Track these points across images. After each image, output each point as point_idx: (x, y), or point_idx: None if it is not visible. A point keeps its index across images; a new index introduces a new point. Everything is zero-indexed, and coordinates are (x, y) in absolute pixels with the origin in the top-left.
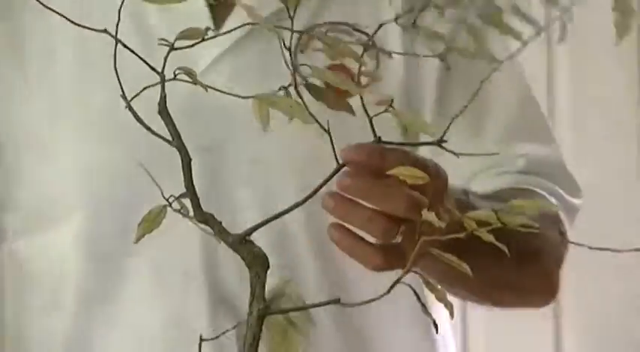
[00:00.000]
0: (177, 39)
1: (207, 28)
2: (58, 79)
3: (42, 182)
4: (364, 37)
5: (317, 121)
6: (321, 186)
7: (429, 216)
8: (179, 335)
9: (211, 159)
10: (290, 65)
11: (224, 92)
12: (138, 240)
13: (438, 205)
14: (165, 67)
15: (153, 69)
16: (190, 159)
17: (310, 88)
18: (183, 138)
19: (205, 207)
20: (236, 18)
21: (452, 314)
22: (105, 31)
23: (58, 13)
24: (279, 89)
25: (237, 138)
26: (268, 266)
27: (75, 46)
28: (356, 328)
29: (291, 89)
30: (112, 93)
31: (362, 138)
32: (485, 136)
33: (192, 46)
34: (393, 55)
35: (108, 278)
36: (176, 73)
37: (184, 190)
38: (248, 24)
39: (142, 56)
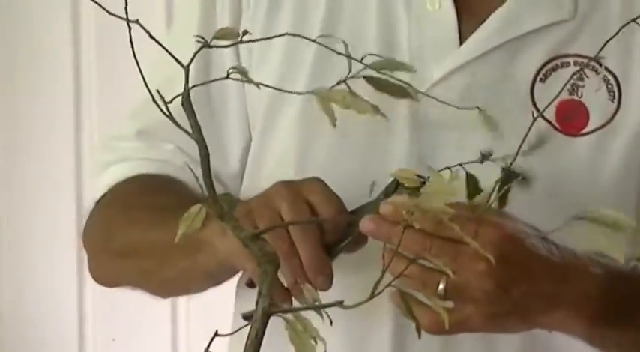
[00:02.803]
0: (213, 38)
1: (245, 32)
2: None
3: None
4: (610, 77)
5: (378, 111)
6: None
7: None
8: None
9: (420, 169)
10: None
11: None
12: (178, 239)
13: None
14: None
15: (178, 62)
16: (207, 153)
17: (369, 79)
18: (398, 143)
19: None
20: (482, 33)
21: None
22: (137, 22)
23: None
24: (338, 83)
25: (448, 153)
26: (278, 265)
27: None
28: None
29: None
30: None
31: None
32: None
33: (228, 46)
34: (636, 106)
35: None
36: (229, 72)
37: None
38: None
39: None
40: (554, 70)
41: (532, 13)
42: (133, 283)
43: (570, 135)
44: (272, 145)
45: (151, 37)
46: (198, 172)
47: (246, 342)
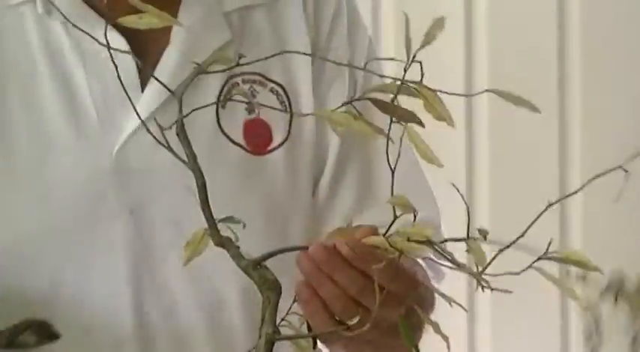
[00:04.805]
0: (209, 64)
1: (241, 56)
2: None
3: None
4: (277, 88)
5: (383, 132)
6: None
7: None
8: None
9: (135, 220)
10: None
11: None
12: (186, 263)
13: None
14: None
15: (168, 90)
16: (204, 181)
17: (376, 102)
18: (109, 198)
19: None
20: (159, 76)
21: None
22: (108, 45)
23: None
24: (343, 104)
25: (159, 200)
26: (280, 292)
27: None
28: None
29: None
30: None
31: None
32: (378, 203)
33: (225, 70)
34: (306, 111)
35: None
36: (233, 93)
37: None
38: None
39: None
40: (229, 92)
41: (198, 44)
42: None
43: (259, 154)
44: None
45: (137, 62)
46: None
47: None
